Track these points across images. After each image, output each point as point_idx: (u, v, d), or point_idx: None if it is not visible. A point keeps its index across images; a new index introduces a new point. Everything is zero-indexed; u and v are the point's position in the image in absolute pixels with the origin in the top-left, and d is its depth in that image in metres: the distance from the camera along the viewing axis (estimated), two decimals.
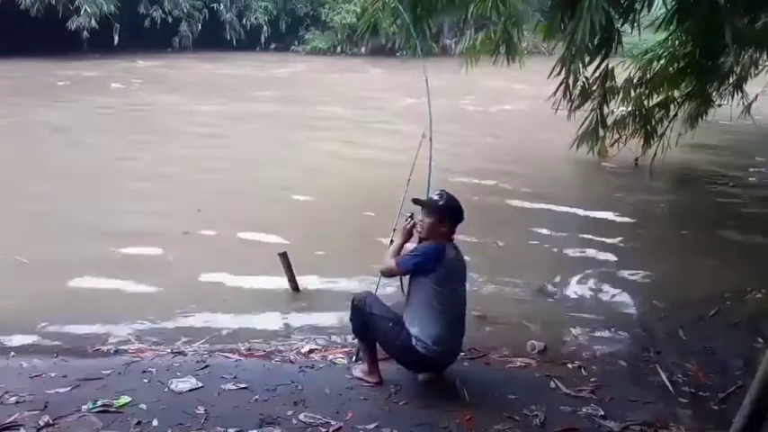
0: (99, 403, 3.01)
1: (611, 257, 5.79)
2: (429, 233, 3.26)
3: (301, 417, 3.01)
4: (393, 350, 3.26)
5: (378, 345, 3.32)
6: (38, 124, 11.00)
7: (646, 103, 7.95)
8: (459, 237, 3.32)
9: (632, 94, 7.76)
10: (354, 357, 3.63)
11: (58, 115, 11.87)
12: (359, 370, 3.43)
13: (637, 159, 8.50)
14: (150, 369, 3.43)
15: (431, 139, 3.91)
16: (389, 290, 4.00)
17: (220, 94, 14.89)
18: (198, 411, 3.01)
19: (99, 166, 8.49)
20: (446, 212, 3.23)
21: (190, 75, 19.03)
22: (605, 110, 7.31)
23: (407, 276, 3.28)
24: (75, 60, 19.84)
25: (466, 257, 3.37)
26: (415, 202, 3.37)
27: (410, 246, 3.38)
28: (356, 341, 3.60)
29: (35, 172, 8.03)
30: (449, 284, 3.15)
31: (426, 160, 3.93)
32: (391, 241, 3.45)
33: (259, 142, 10.26)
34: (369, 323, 3.25)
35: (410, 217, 3.42)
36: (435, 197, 3.29)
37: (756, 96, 8.71)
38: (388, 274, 3.39)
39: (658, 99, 7.90)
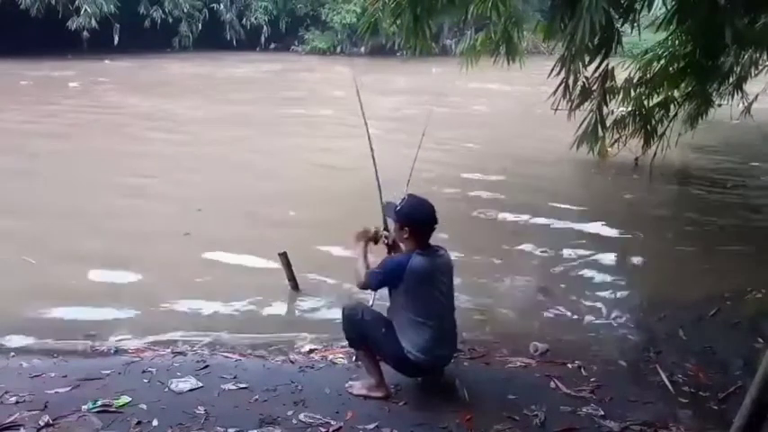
0: (99, 403, 3.01)
1: (611, 257, 5.79)
2: (396, 237, 3.22)
3: (301, 417, 3.01)
4: (387, 355, 3.22)
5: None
6: None
7: (646, 103, 7.94)
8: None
9: (632, 94, 7.75)
10: (354, 357, 3.62)
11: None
12: (359, 386, 3.29)
13: (637, 159, 8.50)
14: (150, 369, 3.43)
15: (369, 135, 3.88)
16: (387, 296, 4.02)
17: (182, 94, 14.89)
18: (198, 411, 3.01)
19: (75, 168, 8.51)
20: (403, 218, 3.13)
21: (161, 75, 19.01)
22: (605, 110, 7.31)
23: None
24: (47, 61, 19.71)
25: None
26: (385, 206, 3.32)
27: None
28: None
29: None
30: (424, 292, 3.06)
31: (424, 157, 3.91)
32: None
33: (244, 143, 10.21)
34: (361, 330, 3.20)
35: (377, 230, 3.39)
36: (397, 202, 3.20)
37: (756, 96, 8.72)
38: (362, 288, 3.35)
39: (658, 99, 7.90)
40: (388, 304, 3.58)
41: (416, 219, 3.12)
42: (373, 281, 3.17)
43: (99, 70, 19.03)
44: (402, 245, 3.23)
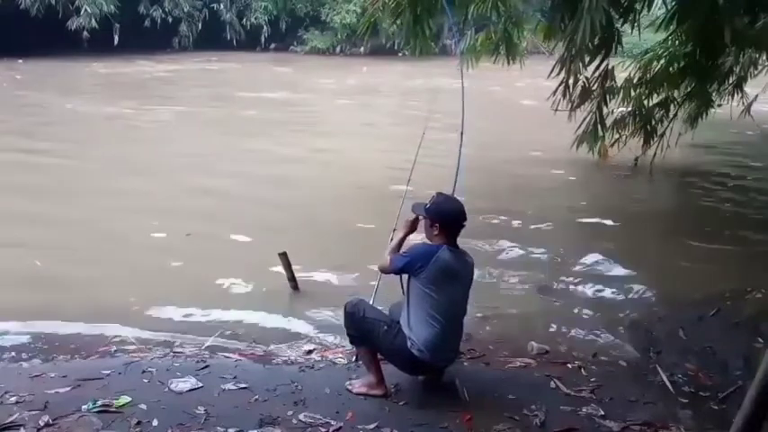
0: (99, 403, 3.01)
1: (611, 257, 5.78)
2: (426, 235, 3.25)
3: (301, 417, 3.01)
4: (389, 353, 3.23)
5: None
6: None
7: (646, 103, 7.96)
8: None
9: (632, 94, 7.77)
10: (354, 358, 3.62)
11: None
12: (359, 384, 3.30)
13: (637, 159, 8.51)
14: (150, 369, 3.43)
15: (462, 134, 3.98)
16: (388, 295, 4.04)
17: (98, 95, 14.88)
18: (198, 411, 3.00)
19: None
20: (433, 214, 3.18)
21: (78, 74, 18.83)
22: (605, 110, 7.33)
23: (406, 276, 3.26)
24: None
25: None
26: (414, 207, 3.35)
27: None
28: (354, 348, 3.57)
29: None
30: (442, 288, 3.07)
31: (428, 159, 3.93)
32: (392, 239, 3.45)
33: (225, 145, 10.17)
34: (363, 328, 3.21)
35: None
36: (430, 200, 3.25)
37: (756, 96, 8.72)
38: (383, 270, 3.38)
39: (658, 99, 7.92)
40: (389, 305, 3.59)
41: (446, 214, 3.17)
42: (398, 263, 3.17)
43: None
44: (430, 240, 3.24)
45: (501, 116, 13.31)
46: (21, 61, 20.16)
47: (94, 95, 14.88)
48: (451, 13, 6.00)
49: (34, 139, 10.06)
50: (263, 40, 26.53)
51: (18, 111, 12.69)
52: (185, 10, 24.61)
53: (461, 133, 4.03)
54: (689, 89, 7.62)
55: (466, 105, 4.04)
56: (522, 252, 5.82)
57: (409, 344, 3.10)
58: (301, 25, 27.28)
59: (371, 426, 2.95)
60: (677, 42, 7.20)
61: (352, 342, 3.40)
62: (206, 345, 3.99)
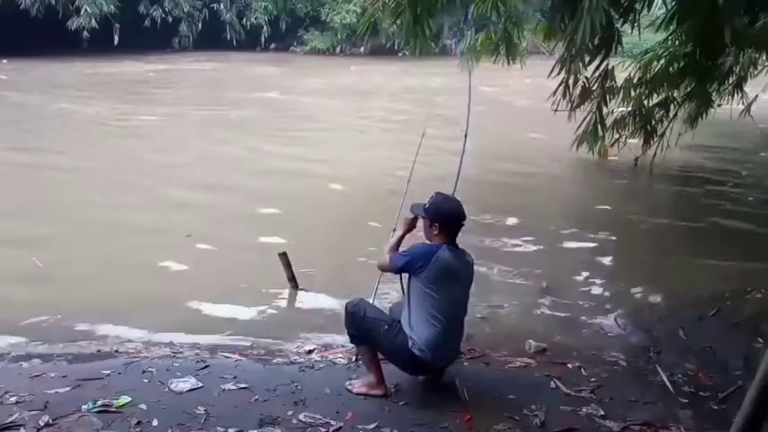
0: (99, 403, 3.01)
1: (611, 257, 5.80)
2: (426, 235, 3.26)
3: (301, 417, 3.01)
4: (389, 352, 3.23)
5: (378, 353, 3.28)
6: None
7: (646, 103, 7.96)
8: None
9: (632, 94, 7.78)
10: (354, 358, 3.62)
11: None
12: (359, 384, 3.30)
13: (636, 159, 8.51)
14: (150, 369, 3.43)
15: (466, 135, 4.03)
16: (388, 294, 4.04)
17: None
18: (198, 411, 3.00)
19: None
20: (432, 214, 3.19)
21: (67, 74, 18.67)
22: (605, 110, 7.33)
23: (406, 276, 3.26)
24: None
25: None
26: (413, 207, 3.36)
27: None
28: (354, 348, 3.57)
29: None
30: (443, 287, 3.07)
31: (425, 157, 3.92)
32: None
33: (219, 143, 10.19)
34: (364, 327, 3.21)
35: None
36: (428, 200, 3.26)
37: (756, 96, 8.72)
38: (382, 268, 3.39)
39: (658, 99, 7.92)
40: (390, 305, 3.59)
41: (446, 214, 3.18)
42: (398, 262, 3.17)
43: None
44: (429, 240, 3.25)
45: (500, 116, 13.29)
46: (5, 61, 20.00)
47: (80, 97, 14.58)
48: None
49: (13, 148, 9.66)
50: (263, 40, 26.52)
51: None
52: (185, 10, 24.61)
53: (465, 134, 4.03)
54: (689, 89, 7.62)
55: (464, 106, 4.05)
56: (521, 252, 5.83)
57: (410, 343, 3.10)
58: (301, 25, 27.27)
59: (371, 426, 2.95)
60: (677, 42, 7.19)
61: (352, 341, 3.40)
62: (206, 345, 3.99)
